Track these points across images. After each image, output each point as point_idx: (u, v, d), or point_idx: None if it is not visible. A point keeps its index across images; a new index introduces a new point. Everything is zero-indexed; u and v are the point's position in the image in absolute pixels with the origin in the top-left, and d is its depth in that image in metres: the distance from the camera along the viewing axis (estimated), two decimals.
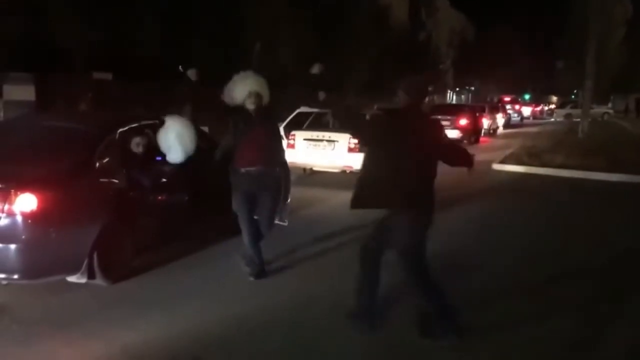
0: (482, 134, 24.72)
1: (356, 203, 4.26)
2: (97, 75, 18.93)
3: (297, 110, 13.18)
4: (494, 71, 60.75)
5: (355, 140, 11.20)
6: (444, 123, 14.54)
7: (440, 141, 4.50)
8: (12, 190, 4.67)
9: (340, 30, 34.89)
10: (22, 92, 15.97)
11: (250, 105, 5.59)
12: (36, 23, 19.70)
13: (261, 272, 5.67)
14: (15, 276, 4.76)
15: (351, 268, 4.55)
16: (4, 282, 4.85)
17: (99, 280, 5.20)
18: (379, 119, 4.39)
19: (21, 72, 16.25)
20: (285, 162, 6.82)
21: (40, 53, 19.07)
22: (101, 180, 5.36)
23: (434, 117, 5.09)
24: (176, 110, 6.92)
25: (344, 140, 11.12)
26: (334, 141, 11.26)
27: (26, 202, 4.67)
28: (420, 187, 4.21)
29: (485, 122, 25.91)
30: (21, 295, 5.02)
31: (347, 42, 35.44)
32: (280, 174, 5.80)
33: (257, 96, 5.60)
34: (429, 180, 4.27)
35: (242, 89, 5.59)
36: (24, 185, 4.71)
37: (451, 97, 63.73)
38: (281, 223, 6.78)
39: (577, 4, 35.56)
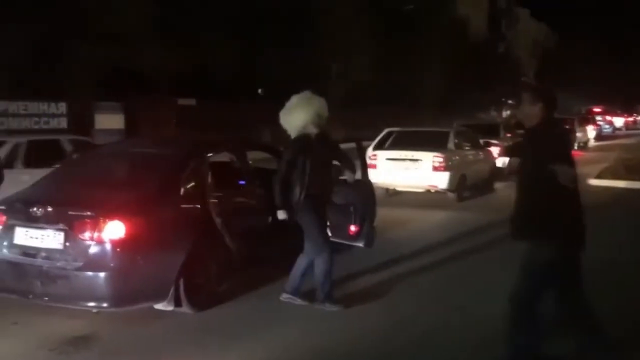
0: (574, 147, 23.53)
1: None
2: (181, 101, 19.52)
3: (386, 130, 12.89)
4: (579, 81, 58.20)
5: (440, 159, 10.87)
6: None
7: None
8: (101, 218, 4.68)
9: (417, 43, 34.50)
10: (112, 120, 16.71)
11: (313, 129, 5.27)
12: (122, 52, 20.63)
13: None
14: (105, 304, 4.75)
15: (438, 294, 4.23)
16: (94, 310, 4.85)
17: (185, 308, 5.13)
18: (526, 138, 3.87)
19: (111, 102, 17.00)
20: (369, 183, 6.57)
21: (126, 81, 19.91)
22: (187, 205, 5.32)
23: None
24: (255, 132, 6.84)
25: (428, 158, 10.79)
26: (417, 160, 10.93)
27: (115, 230, 4.67)
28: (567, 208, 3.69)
29: (576, 135, 24.72)
30: (110, 323, 5.00)
31: (424, 55, 34.98)
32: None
33: (320, 118, 5.29)
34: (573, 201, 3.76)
35: (304, 114, 5.24)
36: (112, 212, 4.72)
37: None
38: (367, 247, 6.54)
39: None
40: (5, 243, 5.02)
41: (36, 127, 15.30)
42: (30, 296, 4.87)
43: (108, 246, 4.69)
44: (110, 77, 19.78)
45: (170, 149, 6.02)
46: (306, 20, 27.66)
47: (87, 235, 4.71)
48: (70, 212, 4.80)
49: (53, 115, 15.71)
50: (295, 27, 26.83)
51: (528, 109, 3.79)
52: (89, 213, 4.74)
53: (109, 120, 16.44)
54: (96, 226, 4.68)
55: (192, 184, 5.46)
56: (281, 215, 5.30)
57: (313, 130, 5.27)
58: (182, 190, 5.31)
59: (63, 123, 15.93)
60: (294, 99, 5.37)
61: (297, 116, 5.25)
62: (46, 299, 4.82)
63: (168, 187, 5.23)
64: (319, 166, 5.23)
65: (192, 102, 19.73)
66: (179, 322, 5.07)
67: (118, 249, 4.68)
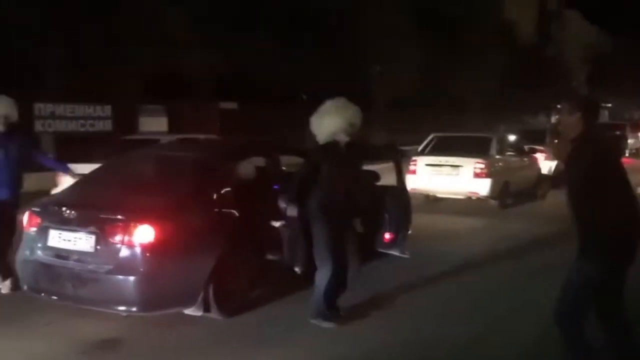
0: (625, 154, 22.74)
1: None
2: (223, 104, 19.70)
3: (432, 135, 12.66)
4: (634, 86, 56.25)
5: (482, 165, 10.61)
6: None
7: None
8: (131, 222, 4.68)
9: (463, 47, 33.98)
10: (156, 123, 16.97)
11: (343, 137, 5.06)
12: (165, 55, 20.95)
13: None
14: (134, 308, 4.75)
15: (480, 305, 4.05)
16: (124, 314, 4.85)
17: (215, 314, 5.08)
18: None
19: (154, 105, 17.28)
20: (404, 190, 6.41)
21: (169, 85, 20.22)
22: (217, 210, 5.28)
23: None
24: (296, 135, 6.75)
25: (469, 165, 10.54)
26: (458, 166, 10.69)
27: (144, 234, 4.66)
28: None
29: (628, 142, 23.89)
30: (139, 327, 5.00)
31: (471, 59, 34.43)
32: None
33: (352, 127, 5.07)
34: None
35: (335, 121, 5.03)
36: (142, 217, 4.71)
37: None
38: (402, 255, 6.39)
39: None
40: (39, 245, 5.08)
41: (82, 129, 15.66)
42: (63, 298, 4.92)
43: (138, 250, 4.68)
44: (154, 80, 20.15)
45: (203, 152, 6.00)
46: (349, 24, 27.57)
47: (117, 238, 4.72)
48: (101, 216, 4.82)
49: (99, 117, 16.06)
50: (338, 30, 26.78)
51: (566, 118, 3.61)
52: (119, 217, 4.75)
53: (153, 123, 16.72)
54: (126, 230, 4.68)
55: (224, 188, 5.43)
56: (291, 211, 5.16)
57: (343, 139, 5.08)
58: (213, 194, 5.28)
59: (108, 126, 16.26)
60: (327, 105, 5.19)
61: (329, 123, 5.07)
62: (77, 301, 4.85)
63: (199, 192, 5.21)
64: (343, 175, 5.02)
65: (233, 105, 19.92)
66: (208, 328, 5.03)
67: (148, 254, 4.67)
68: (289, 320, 5.21)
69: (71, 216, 4.91)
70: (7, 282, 5.76)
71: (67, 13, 17.89)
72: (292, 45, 24.27)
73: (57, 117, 15.18)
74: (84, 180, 5.75)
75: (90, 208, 4.96)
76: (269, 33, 23.44)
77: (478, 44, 35.21)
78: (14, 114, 5.93)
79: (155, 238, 4.66)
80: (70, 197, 5.36)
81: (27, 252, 5.14)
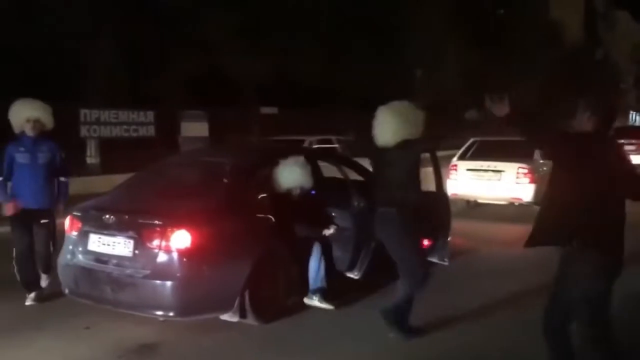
0: None
1: (530, 239, 3.63)
2: (264, 109, 19.83)
3: (472, 139, 12.42)
4: None
5: (525, 170, 10.35)
6: (627, 148, 12.82)
7: (627, 171, 3.67)
8: (168, 227, 4.71)
9: (508, 49, 33.40)
10: (197, 128, 17.19)
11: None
12: (209, 61, 21.22)
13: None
14: (171, 313, 4.77)
15: (525, 321, 3.91)
16: (161, 318, 4.88)
17: (251, 320, 5.06)
18: (570, 135, 3.67)
19: (196, 110, 17.52)
20: (444, 195, 6.29)
21: (212, 90, 20.48)
22: (254, 215, 5.27)
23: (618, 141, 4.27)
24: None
25: (512, 170, 10.28)
26: (500, 171, 10.44)
27: (181, 239, 4.68)
28: (603, 223, 3.47)
29: None
30: (176, 332, 5.02)
31: (515, 61, 33.81)
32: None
33: (416, 133, 4.83)
34: (615, 217, 3.52)
35: (399, 124, 4.75)
36: (179, 222, 4.73)
37: (634, 119, 57.84)
38: (442, 262, 6.27)
39: None
40: (80, 249, 5.16)
41: (126, 135, 15.98)
42: (102, 302, 4.98)
43: (175, 255, 4.70)
44: (196, 86, 20.44)
45: (240, 158, 6.01)
46: (391, 28, 27.43)
47: (155, 243, 4.75)
48: (139, 221, 4.86)
49: (142, 123, 16.37)
50: (380, 35, 26.69)
51: (579, 117, 3.62)
52: (157, 222, 4.78)
53: (194, 128, 16.94)
54: (164, 235, 4.71)
55: (261, 193, 5.42)
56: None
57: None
58: (250, 199, 5.27)
59: (151, 131, 16.56)
60: (393, 107, 4.89)
61: (391, 126, 4.77)
62: (116, 305, 4.91)
63: (236, 197, 5.20)
64: (389, 177, 4.85)
65: (274, 110, 20.03)
66: (244, 334, 5.01)
67: (184, 259, 4.69)
68: (326, 327, 5.14)
69: (110, 221, 4.96)
70: (32, 295, 5.74)
71: (115, 20, 18.37)
72: (332, 50, 24.29)
73: (102, 123, 15.52)
74: (125, 185, 5.82)
75: (129, 213, 5.00)
76: (310, 38, 23.52)
77: (523, 46, 34.57)
78: (47, 120, 5.70)
79: (192, 243, 4.68)
80: (110, 201, 5.43)
81: (69, 256, 5.23)
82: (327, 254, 5.50)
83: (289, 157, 5.51)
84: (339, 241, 5.81)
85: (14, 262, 5.73)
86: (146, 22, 19.48)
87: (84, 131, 15.20)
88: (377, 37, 26.65)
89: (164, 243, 4.72)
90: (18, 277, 5.74)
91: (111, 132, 15.71)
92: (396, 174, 4.76)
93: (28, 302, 5.70)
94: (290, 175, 5.43)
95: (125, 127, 15.94)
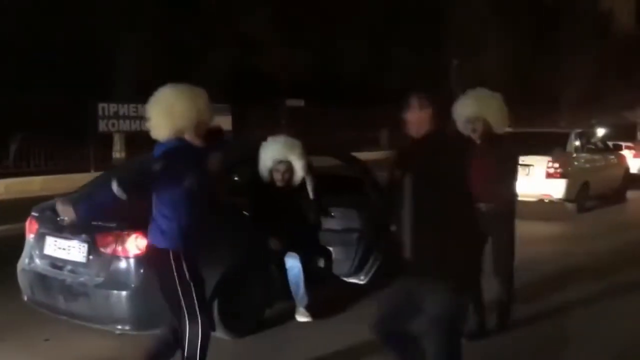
0: None
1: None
2: (289, 102, 19.30)
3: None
4: None
5: (557, 165, 9.56)
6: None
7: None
8: (125, 232, 4.23)
9: (555, 39, 32.17)
10: (221, 122, 16.78)
11: (472, 133, 4.44)
12: (242, 55, 20.84)
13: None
14: (127, 327, 4.30)
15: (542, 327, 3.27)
16: (118, 332, 4.40)
17: (221, 333, 4.52)
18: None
19: (220, 104, 17.13)
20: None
21: (241, 83, 20.07)
22: (223, 216, 4.71)
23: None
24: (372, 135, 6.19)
25: (542, 164, 9.49)
26: (528, 165, 9.62)
27: (138, 244, 4.17)
28: (435, 241, 2.97)
29: None
30: (136, 347, 4.52)
31: (563, 52, 32.56)
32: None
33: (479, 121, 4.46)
34: (453, 232, 3.00)
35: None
36: (135, 225, 4.21)
37: None
38: None
39: None
40: (37, 252, 4.74)
41: (145, 129, 15.67)
42: (56, 312, 4.54)
43: (131, 262, 4.22)
44: (225, 79, 20.08)
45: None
46: (433, 20, 26.69)
47: (109, 249, 4.27)
48: (92, 223, 4.36)
49: None
50: (425, 21, 25.95)
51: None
52: (111, 225, 4.28)
53: (217, 122, 16.57)
54: (119, 239, 4.23)
55: (235, 192, 4.90)
56: None
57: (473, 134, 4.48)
58: (220, 199, 4.72)
59: None
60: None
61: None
62: (70, 316, 4.46)
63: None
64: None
65: (300, 103, 19.44)
66: (213, 349, 4.47)
67: (141, 267, 4.18)
68: (300, 343, 4.62)
69: (64, 222, 4.49)
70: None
71: (147, 14, 18.15)
72: (368, 43, 23.67)
73: (121, 117, 15.27)
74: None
75: None
76: (344, 31, 22.93)
77: (572, 35, 33.33)
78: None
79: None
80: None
81: (26, 260, 4.82)
82: (308, 262, 4.94)
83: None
84: (344, 244, 5.52)
85: None
86: (175, 14, 19.24)
87: (102, 125, 14.97)
88: (419, 26, 25.83)
89: (119, 248, 4.23)
90: None
91: (130, 126, 15.44)
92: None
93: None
94: (270, 151, 5.00)
95: (144, 120, 15.66)
